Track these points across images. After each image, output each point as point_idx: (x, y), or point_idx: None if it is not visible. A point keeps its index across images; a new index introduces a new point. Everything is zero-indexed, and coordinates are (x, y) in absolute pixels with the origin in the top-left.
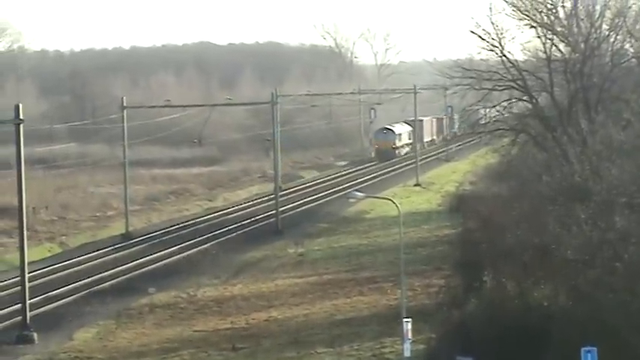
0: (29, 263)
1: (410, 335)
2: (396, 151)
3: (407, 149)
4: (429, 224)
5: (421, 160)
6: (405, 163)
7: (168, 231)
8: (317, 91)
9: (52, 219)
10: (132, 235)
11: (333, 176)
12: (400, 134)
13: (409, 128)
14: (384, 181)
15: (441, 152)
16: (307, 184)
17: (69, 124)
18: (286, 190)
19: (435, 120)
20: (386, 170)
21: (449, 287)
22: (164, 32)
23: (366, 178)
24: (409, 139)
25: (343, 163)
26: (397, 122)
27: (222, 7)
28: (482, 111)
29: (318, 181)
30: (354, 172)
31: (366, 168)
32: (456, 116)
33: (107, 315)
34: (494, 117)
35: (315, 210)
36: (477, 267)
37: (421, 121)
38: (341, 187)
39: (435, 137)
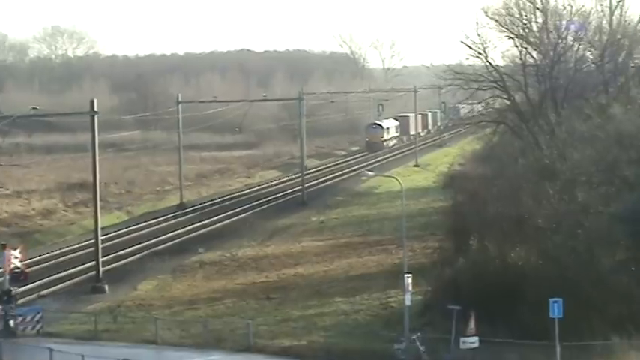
0: (102, 228)
1: (410, 288)
2: (385, 144)
3: (394, 142)
4: (426, 198)
5: (419, 146)
6: (406, 149)
7: (214, 202)
8: (335, 89)
9: (120, 192)
10: (185, 206)
11: (348, 160)
12: (388, 128)
13: (396, 123)
14: (390, 162)
15: (435, 140)
16: (327, 166)
17: (134, 116)
18: (310, 169)
19: (420, 116)
20: (391, 154)
21: (442, 249)
22: (212, 41)
23: (374, 160)
24: (396, 132)
25: (356, 148)
26: (386, 118)
27: (259, 21)
28: (461, 109)
29: (335, 163)
30: (363, 156)
31: (374, 152)
32: (440, 113)
33: (165, 270)
34: (479, 111)
35: (334, 186)
36: (464, 233)
37: (407, 117)
38: (354, 168)
39: (420, 131)
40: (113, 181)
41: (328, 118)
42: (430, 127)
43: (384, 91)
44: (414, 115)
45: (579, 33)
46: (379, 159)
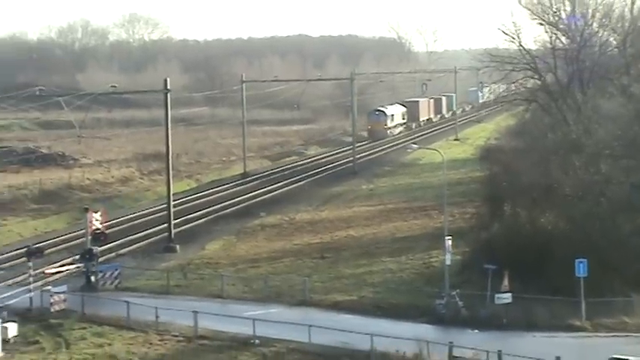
0: (173, 194)
1: (450, 249)
2: (388, 131)
3: (400, 129)
4: (465, 168)
5: (459, 121)
6: (447, 124)
7: (274, 172)
8: (383, 71)
9: (190, 162)
10: (248, 175)
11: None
12: (392, 115)
13: (403, 109)
14: (432, 136)
15: (473, 116)
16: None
17: (203, 94)
18: (360, 143)
19: (432, 100)
20: (433, 129)
21: (479, 215)
22: (273, 26)
23: (419, 134)
24: (403, 119)
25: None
26: (391, 104)
27: (316, 7)
28: (478, 92)
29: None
30: (409, 130)
31: (418, 127)
32: (452, 95)
33: (230, 232)
34: (512, 91)
35: (382, 157)
36: (499, 200)
37: (417, 102)
38: (401, 141)
39: (431, 116)
40: (184, 152)
41: (377, 96)
42: (444, 112)
43: (427, 72)
44: (425, 99)
45: (579, 24)
46: (423, 133)
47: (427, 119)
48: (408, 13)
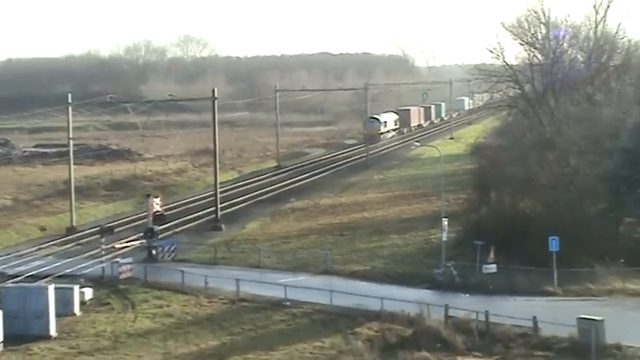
0: (219, 183)
1: (446, 228)
2: (381, 136)
3: (392, 133)
4: (458, 162)
5: (454, 123)
6: (444, 126)
7: (302, 165)
8: (392, 82)
9: (233, 156)
10: (281, 167)
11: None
12: (385, 122)
13: (395, 116)
14: (431, 136)
15: (464, 119)
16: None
17: (243, 101)
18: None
19: (422, 108)
20: (432, 130)
21: (469, 200)
22: (301, 45)
23: (420, 135)
24: (395, 125)
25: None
26: (385, 112)
27: (336, 29)
28: (465, 100)
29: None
30: (413, 131)
31: (420, 128)
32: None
33: (265, 214)
34: (497, 99)
35: (390, 153)
36: (486, 188)
37: (409, 110)
38: (406, 139)
39: (422, 122)
40: (228, 148)
41: (386, 103)
42: (433, 119)
43: (427, 83)
44: (415, 107)
45: (564, 36)
46: (423, 133)
47: (418, 125)
48: (411, 34)
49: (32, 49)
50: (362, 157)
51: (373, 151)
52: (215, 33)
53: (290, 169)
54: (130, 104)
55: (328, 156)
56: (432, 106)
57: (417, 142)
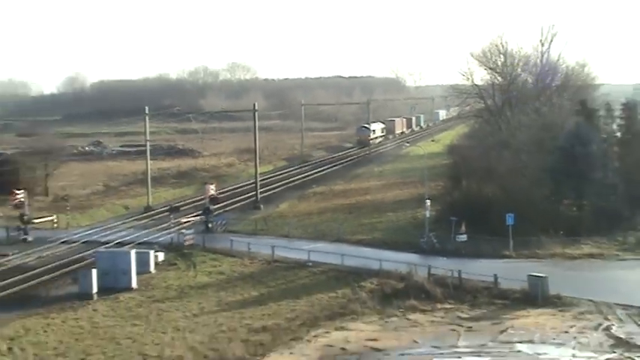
0: (260, 173)
1: (429, 207)
2: (371, 141)
3: (380, 139)
4: (438, 158)
5: (436, 131)
6: (422, 133)
7: (322, 161)
8: (388, 98)
9: (268, 154)
10: (307, 161)
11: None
12: (374, 130)
13: (382, 125)
14: (418, 138)
15: (443, 125)
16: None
17: (277, 112)
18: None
19: (405, 119)
20: (419, 134)
21: (446, 187)
22: (319, 69)
23: (410, 137)
24: (382, 132)
25: (424, 125)
26: (374, 122)
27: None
28: (440, 112)
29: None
30: (405, 134)
31: (403, 134)
32: (420, 116)
33: (293, 197)
34: (467, 110)
35: (387, 152)
36: (458, 178)
37: (394, 120)
38: (399, 141)
39: (405, 130)
40: (265, 147)
41: (383, 114)
42: (414, 127)
43: (415, 99)
44: (399, 119)
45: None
46: (413, 136)
47: (401, 132)
48: (403, 61)
49: (118, 72)
50: (365, 154)
51: (374, 150)
52: (256, 60)
53: (312, 164)
54: (192, 115)
55: (335, 155)
56: (413, 118)
57: (407, 142)
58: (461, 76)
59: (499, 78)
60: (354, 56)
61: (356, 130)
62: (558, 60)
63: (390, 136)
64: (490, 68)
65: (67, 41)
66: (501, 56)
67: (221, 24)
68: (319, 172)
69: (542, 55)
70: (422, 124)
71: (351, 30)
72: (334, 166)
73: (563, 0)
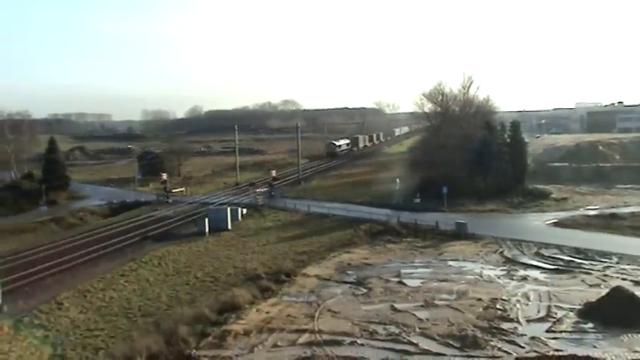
0: (301, 164)
1: (398, 183)
2: (337, 153)
3: (345, 151)
4: (403, 155)
5: (401, 138)
6: (380, 145)
7: (334, 158)
8: (375, 120)
9: (306, 153)
10: (329, 157)
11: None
12: (340, 145)
13: (347, 141)
14: (393, 144)
15: (404, 135)
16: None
17: (310, 129)
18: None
19: (367, 136)
20: (372, 148)
21: (407, 171)
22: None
23: (389, 143)
24: (347, 147)
25: (384, 139)
26: (341, 138)
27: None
28: (396, 130)
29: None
30: (386, 140)
31: (389, 140)
32: (380, 133)
33: (320, 178)
34: (419, 127)
35: (372, 152)
36: (416, 166)
37: (357, 137)
38: (382, 145)
39: (367, 144)
40: (303, 149)
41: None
42: (375, 141)
43: (391, 121)
44: (362, 135)
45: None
46: (390, 142)
47: (364, 146)
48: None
49: (220, 104)
50: (361, 153)
51: (362, 151)
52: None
53: (332, 158)
54: (262, 130)
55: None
56: (374, 134)
57: (386, 146)
58: (416, 106)
59: (439, 108)
60: (356, 93)
61: (325, 146)
62: (473, 97)
63: (355, 148)
64: (434, 102)
65: (195, 84)
66: (440, 95)
67: (279, 73)
68: (335, 164)
69: (464, 94)
70: (381, 139)
71: (357, 76)
72: (341, 160)
73: (477, 59)
